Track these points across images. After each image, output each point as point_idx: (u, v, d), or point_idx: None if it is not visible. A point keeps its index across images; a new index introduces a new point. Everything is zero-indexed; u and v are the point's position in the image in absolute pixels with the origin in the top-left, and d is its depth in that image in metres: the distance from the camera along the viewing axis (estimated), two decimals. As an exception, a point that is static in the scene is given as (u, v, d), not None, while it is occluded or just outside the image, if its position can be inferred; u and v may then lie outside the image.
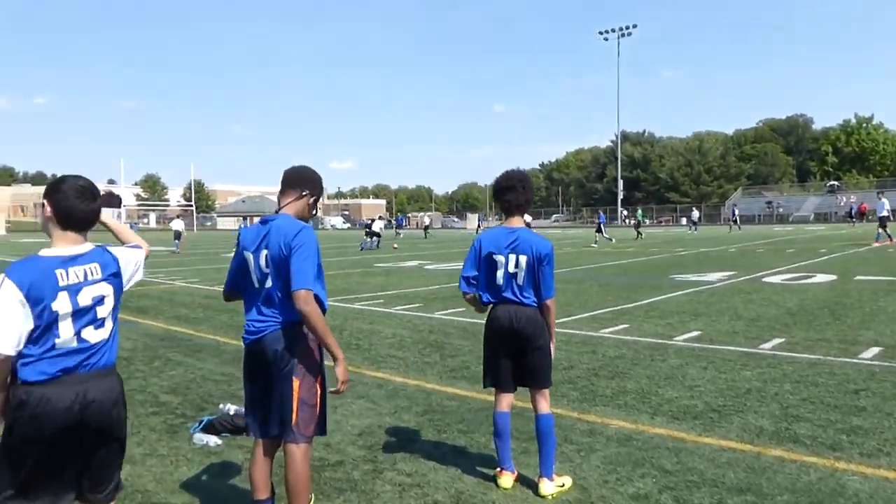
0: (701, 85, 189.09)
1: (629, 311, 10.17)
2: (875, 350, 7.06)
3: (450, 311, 10.37)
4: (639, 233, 38.49)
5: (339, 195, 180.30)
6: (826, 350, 7.09)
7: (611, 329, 8.62)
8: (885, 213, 24.58)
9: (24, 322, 2.31)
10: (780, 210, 73.02)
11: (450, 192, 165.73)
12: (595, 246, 29.95)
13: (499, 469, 3.90)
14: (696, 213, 55.11)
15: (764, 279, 14.10)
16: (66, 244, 2.47)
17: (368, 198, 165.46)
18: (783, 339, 7.70)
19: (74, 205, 2.45)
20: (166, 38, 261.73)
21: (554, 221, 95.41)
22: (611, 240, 32.46)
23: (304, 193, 3.16)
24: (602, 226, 33.97)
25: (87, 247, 2.52)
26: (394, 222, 39.59)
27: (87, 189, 2.50)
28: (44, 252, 2.45)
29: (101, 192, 2.64)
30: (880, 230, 24.38)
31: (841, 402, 5.26)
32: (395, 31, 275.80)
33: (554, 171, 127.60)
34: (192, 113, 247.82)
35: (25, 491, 2.38)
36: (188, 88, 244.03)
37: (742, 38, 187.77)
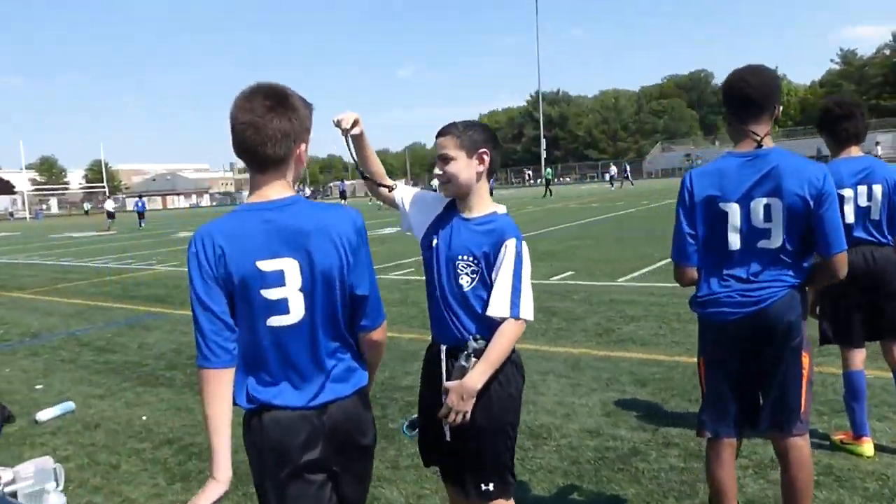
0: (605, 43, 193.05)
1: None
2: None
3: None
4: (549, 190, 40.40)
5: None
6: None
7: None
8: None
9: None
10: (699, 162, 75.87)
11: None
12: None
13: (854, 435, 3.48)
14: (613, 169, 55.38)
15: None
16: None
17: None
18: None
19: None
20: (41, 13, 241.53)
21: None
22: None
23: (776, 108, 2.43)
24: None
25: None
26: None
27: None
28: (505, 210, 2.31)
29: None
30: None
31: None
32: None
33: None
34: (79, 91, 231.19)
35: None
36: (70, 65, 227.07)
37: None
